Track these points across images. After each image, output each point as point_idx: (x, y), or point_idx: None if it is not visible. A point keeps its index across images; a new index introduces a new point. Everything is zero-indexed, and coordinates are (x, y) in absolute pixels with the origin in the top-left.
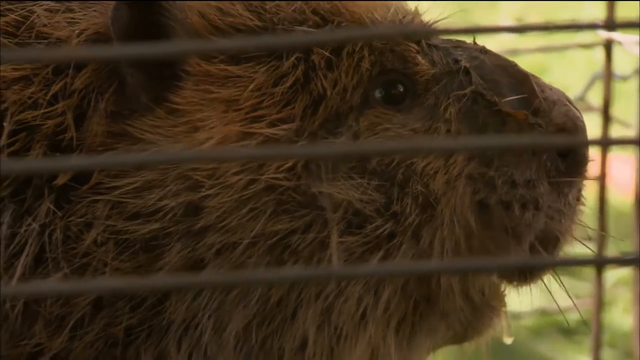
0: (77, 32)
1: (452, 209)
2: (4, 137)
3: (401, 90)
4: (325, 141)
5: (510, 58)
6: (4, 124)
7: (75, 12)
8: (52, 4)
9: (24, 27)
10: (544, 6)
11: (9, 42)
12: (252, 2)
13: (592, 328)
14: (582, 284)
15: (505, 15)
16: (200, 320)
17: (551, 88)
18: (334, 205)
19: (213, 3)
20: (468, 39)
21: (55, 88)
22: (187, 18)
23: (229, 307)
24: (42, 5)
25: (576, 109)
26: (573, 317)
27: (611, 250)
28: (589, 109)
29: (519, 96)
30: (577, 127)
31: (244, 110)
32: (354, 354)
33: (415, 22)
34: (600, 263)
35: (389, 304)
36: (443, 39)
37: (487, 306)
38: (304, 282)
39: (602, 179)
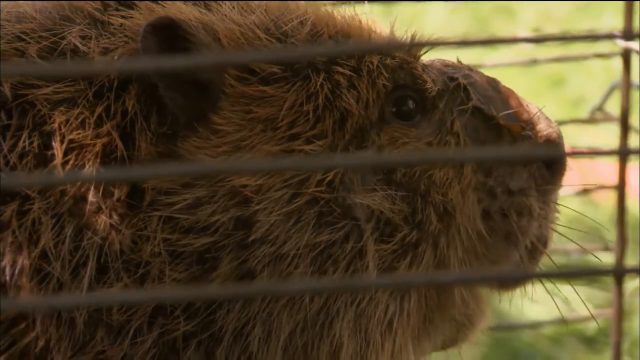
0: (115, 57)
1: (465, 218)
2: (59, 155)
3: (411, 106)
4: (355, 155)
5: (529, 68)
6: (54, 143)
7: (109, 38)
8: (83, 29)
9: (57, 52)
10: (562, 16)
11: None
12: (270, 27)
13: (612, 337)
14: (602, 293)
15: (523, 25)
16: (250, 329)
17: (530, 103)
18: (368, 215)
19: (236, 28)
20: (488, 50)
21: (99, 110)
22: (214, 41)
23: (277, 315)
24: (72, 32)
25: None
26: (593, 325)
27: (630, 259)
28: (608, 118)
29: (511, 110)
30: (559, 137)
31: (281, 129)
32: (381, 359)
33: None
34: (619, 273)
35: (411, 312)
36: (430, 60)
37: (479, 311)
38: (342, 290)
39: (620, 188)
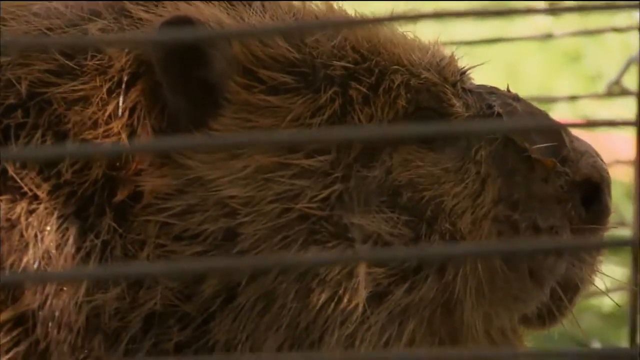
0: (126, 50)
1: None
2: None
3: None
4: (360, 174)
5: (546, 44)
6: (67, 143)
7: (126, 32)
8: (106, 23)
9: (79, 47)
10: None
11: (67, 62)
12: (293, 34)
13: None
14: (619, 269)
15: None
16: (239, 341)
17: (579, 139)
18: (364, 237)
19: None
20: (505, 24)
21: (110, 108)
22: (227, 45)
23: (263, 329)
24: (96, 25)
25: (603, 161)
26: (610, 302)
27: None
28: (625, 92)
29: (548, 144)
30: (602, 178)
31: None
32: None
33: (452, 66)
34: (636, 244)
35: (413, 336)
36: (478, 85)
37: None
38: (331, 309)
39: (638, 161)
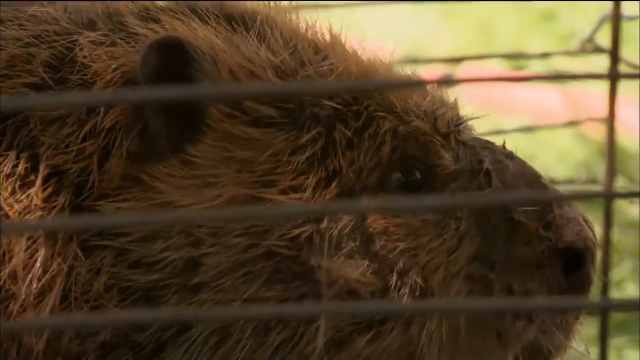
0: (113, 66)
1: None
2: (39, 181)
3: (418, 177)
4: (333, 217)
5: (520, 2)
6: (40, 167)
7: (117, 47)
8: (98, 36)
9: (68, 59)
10: None
11: (49, 77)
12: (285, 69)
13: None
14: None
15: None
16: None
17: (570, 205)
18: (331, 281)
19: (246, 64)
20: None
21: (86, 128)
22: (217, 73)
23: None
24: (87, 37)
25: (591, 230)
26: None
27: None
28: (598, 50)
29: (533, 208)
30: (587, 248)
31: (257, 173)
32: None
33: (448, 115)
34: (609, 196)
35: None
36: (473, 137)
37: None
38: (287, 350)
39: (610, 118)
